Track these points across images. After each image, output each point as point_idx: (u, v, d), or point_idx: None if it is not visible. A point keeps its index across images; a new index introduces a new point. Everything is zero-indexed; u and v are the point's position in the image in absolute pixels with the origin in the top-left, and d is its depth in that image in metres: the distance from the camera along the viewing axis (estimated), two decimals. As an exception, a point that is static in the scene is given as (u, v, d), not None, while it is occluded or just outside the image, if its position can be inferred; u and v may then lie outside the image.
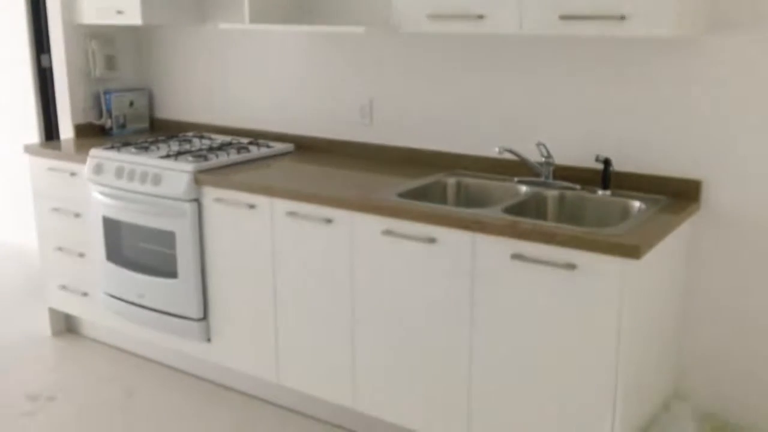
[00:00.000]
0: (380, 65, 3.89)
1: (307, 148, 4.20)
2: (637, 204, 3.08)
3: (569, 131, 3.39)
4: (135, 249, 3.93)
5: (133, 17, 4.18)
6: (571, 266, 2.69)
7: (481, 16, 3.06)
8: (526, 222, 2.83)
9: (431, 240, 2.99)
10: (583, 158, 3.31)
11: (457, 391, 3.07)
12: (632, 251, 2.56)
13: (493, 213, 2.94)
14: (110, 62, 4.69)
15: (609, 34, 2.86)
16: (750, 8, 2.92)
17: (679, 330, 3.26)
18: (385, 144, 3.93)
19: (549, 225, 2.82)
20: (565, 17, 2.86)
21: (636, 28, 2.76)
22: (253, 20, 3.77)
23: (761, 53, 2.93)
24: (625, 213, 3.10)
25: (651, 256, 2.69)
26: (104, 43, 4.64)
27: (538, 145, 3.30)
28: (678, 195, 3.14)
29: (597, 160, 3.17)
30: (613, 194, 3.18)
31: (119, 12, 4.23)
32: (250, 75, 4.41)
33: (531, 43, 3.43)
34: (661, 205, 3.04)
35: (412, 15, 3.23)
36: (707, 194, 3.12)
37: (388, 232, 3.09)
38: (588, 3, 2.82)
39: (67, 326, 4.68)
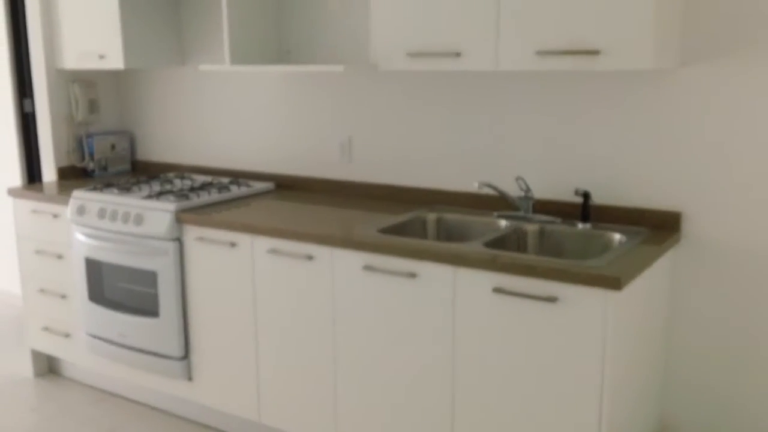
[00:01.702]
0: (359, 103, 3.92)
1: (287, 186, 4.22)
2: (617, 236, 3.09)
3: (548, 165, 3.40)
4: (117, 289, 3.92)
5: (116, 62, 4.20)
6: (552, 299, 2.68)
7: (458, 54, 3.08)
8: (507, 255, 2.82)
9: (412, 275, 2.98)
10: (563, 192, 3.34)
11: (441, 425, 3.05)
12: (614, 283, 2.55)
13: (474, 247, 2.93)
14: (92, 106, 4.71)
15: (584, 69, 2.88)
16: (722, 40, 2.96)
17: (665, 361, 3.25)
18: (364, 181, 3.95)
19: (530, 258, 2.80)
20: (541, 53, 2.89)
21: (610, 63, 2.77)
22: (234, 62, 3.78)
23: (736, 84, 2.96)
24: (606, 245, 3.10)
25: (633, 288, 2.69)
26: (86, 87, 4.66)
27: (518, 179, 3.32)
28: (658, 227, 3.16)
29: (576, 193, 3.18)
30: (593, 227, 3.18)
31: (101, 57, 4.26)
32: (230, 115, 4.43)
33: (509, 79, 3.46)
34: (642, 237, 3.04)
35: (391, 53, 3.26)
36: (687, 225, 3.13)
37: (369, 268, 3.09)
38: (563, 39, 2.85)
39: (49, 367, 4.67)
